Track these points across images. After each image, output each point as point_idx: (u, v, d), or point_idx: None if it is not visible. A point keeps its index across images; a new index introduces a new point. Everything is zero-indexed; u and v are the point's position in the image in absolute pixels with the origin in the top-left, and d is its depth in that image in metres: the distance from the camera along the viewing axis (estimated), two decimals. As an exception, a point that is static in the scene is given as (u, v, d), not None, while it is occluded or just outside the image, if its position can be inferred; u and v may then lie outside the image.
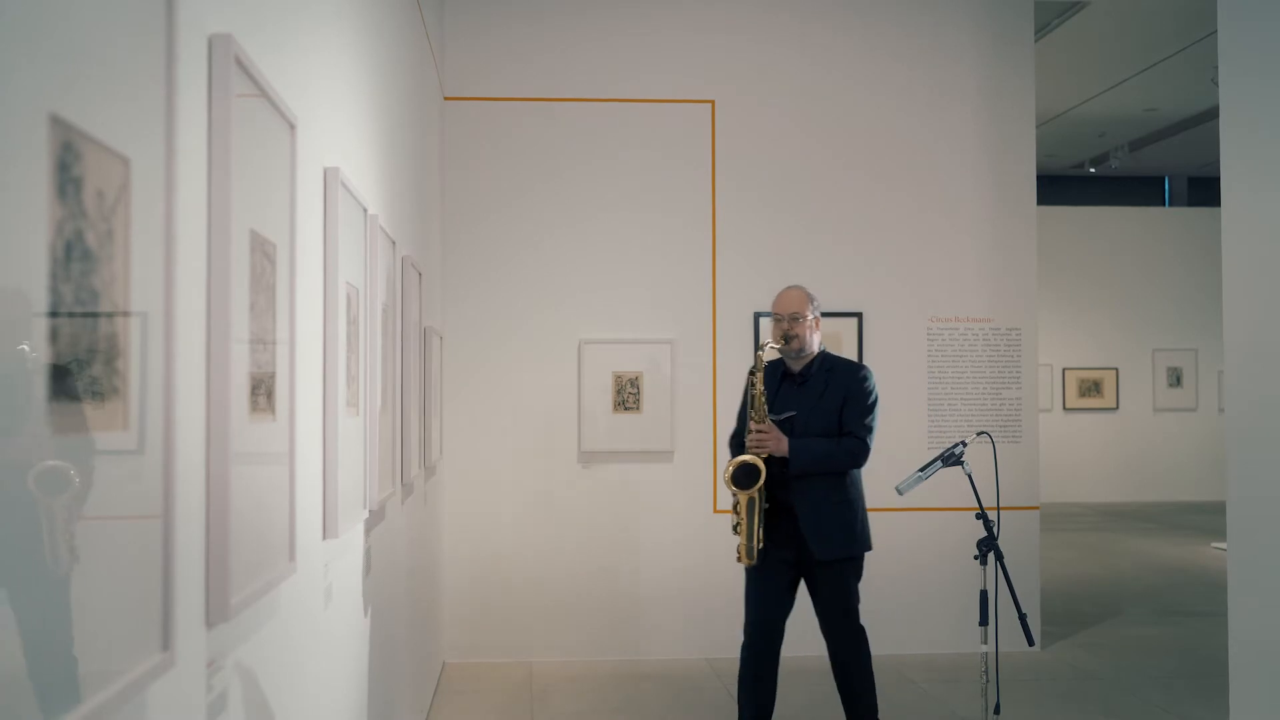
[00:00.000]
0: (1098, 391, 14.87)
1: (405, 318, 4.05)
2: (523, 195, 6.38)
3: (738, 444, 4.28)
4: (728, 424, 6.36)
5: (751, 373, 4.14)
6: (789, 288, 4.22)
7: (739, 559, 4.13)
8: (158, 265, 1.38)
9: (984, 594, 3.74)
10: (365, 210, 3.02)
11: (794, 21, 6.57)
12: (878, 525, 6.51)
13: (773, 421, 4.11)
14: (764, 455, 4.03)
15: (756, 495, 4.02)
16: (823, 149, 6.55)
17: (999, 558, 3.70)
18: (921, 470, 3.91)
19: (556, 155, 6.41)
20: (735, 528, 4.09)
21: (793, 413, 4.12)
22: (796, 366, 4.19)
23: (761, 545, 4.07)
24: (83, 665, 1.18)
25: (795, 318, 4.11)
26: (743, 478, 4.03)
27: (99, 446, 1.23)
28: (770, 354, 4.16)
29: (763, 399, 4.07)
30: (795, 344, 4.10)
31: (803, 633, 6.38)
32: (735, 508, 4.06)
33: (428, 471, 5.18)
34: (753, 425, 4.06)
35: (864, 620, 6.47)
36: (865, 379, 4.16)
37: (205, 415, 1.63)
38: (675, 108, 6.48)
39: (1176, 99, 11.83)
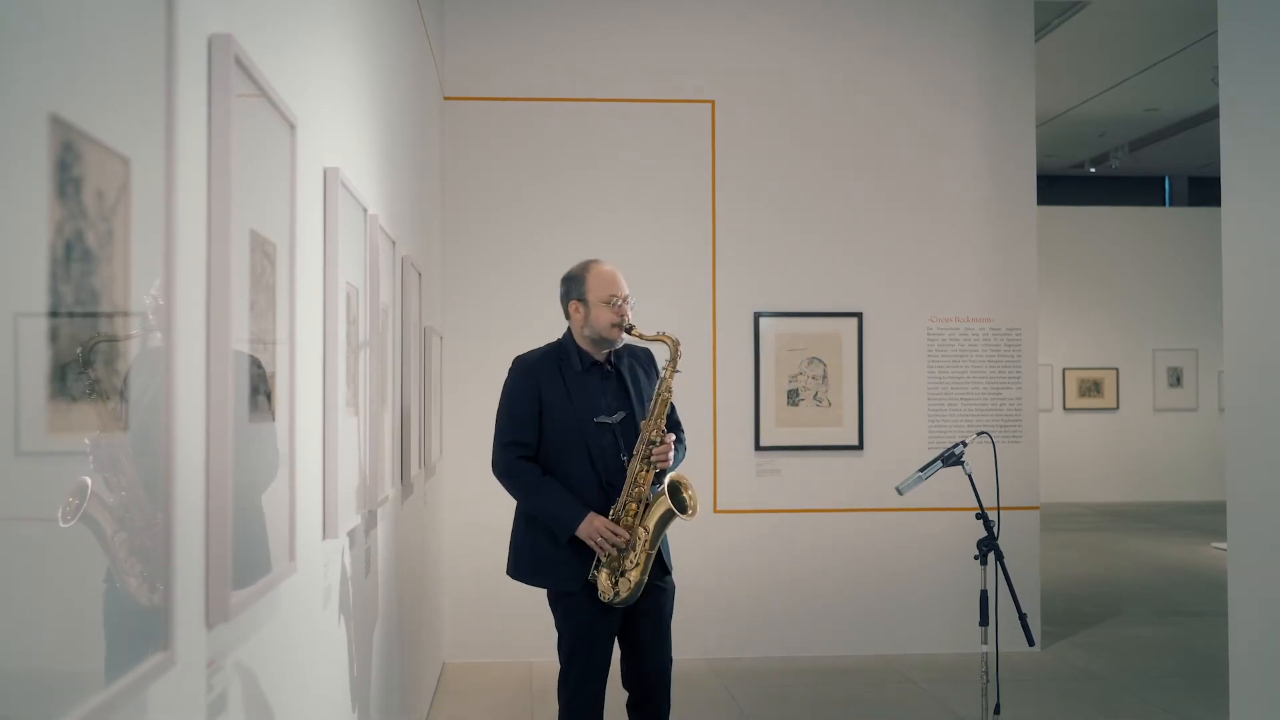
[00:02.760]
0: (1098, 391, 14.87)
1: (405, 318, 4.05)
2: (523, 195, 6.38)
3: (519, 459, 3.42)
4: (729, 422, 6.39)
5: (661, 369, 3.45)
6: (605, 263, 3.52)
7: (613, 599, 3.36)
8: (158, 265, 1.38)
9: (984, 594, 3.74)
10: (365, 210, 3.02)
11: (794, 21, 6.57)
12: (878, 525, 6.55)
13: (601, 424, 3.42)
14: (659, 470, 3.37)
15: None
16: (822, 149, 6.54)
17: (999, 558, 3.69)
18: (921, 470, 3.90)
19: (556, 155, 6.41)
20: (623, 563, 3.34)
21: (623, 413, 3.44)
22: (601, 357, 3.49)
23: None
24: (83, 665, 1.18)
25: (628, 299, 3.45)
26: (681, 503, 3.37)
27: (99, 447, 1.23)
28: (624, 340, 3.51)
29: (667, 403, 3.41)
30: (631, 331, 3.42)
31: (803, 633, 6.40)
32: (644, 541, 3.33)
33: (428, 471, 5.18)
34: (655, 436, 3.36)
35: (864, 619, 6.51)
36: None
37: (205, 415, 1.63)
38: (675, 108, 6.48)
39: (1176, 99, 11.83)
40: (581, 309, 3.46)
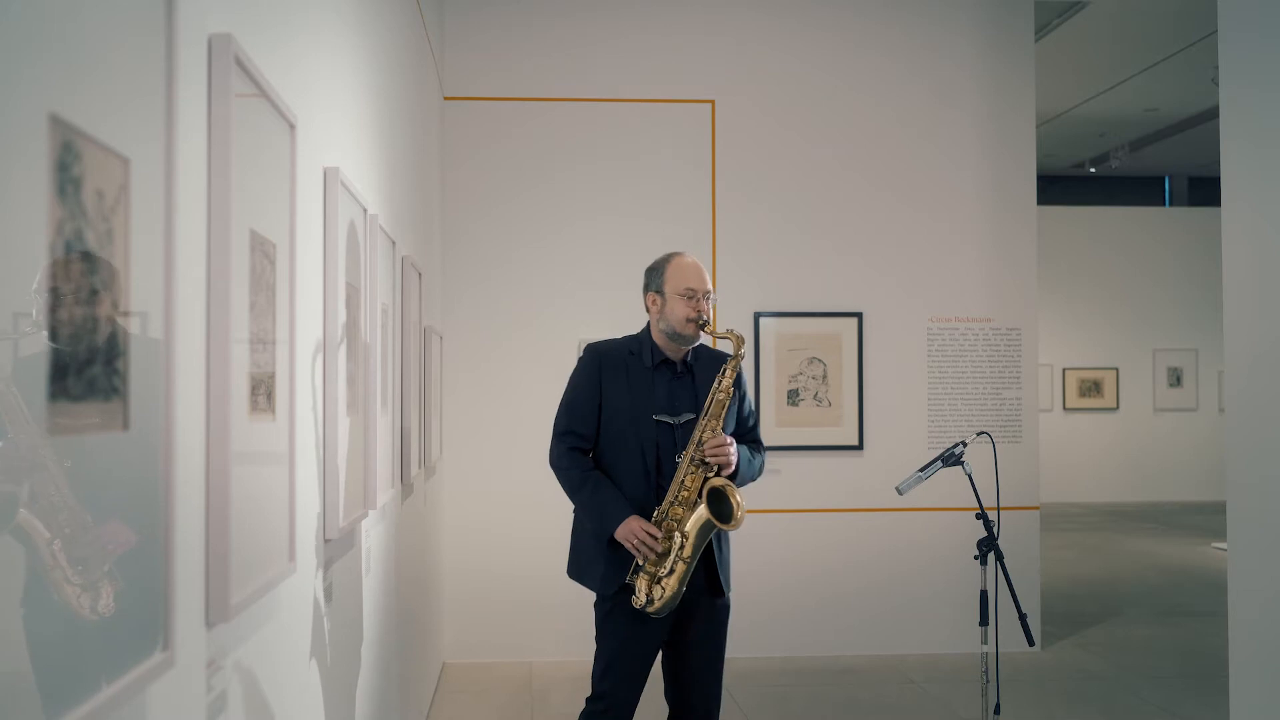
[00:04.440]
0: (1098, 391, 14.87)
1: (405, 318, 4.04)
2: (523, 195, 6.38)
3: (571, 450, 3.32)
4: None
5: (723, 367, 3.28)
6: (687, 255, 3.38)
7: (645, 606, 3.16)
8: (158, 265, 1.38)
9: (984, 594, 3.74)
10: (365, 210, 3.02)
11: (794, 21, 6.57)
12: (878, 525, 6.55)
13: (661, 423, 3.26)
14: (720, 472, 3.18)
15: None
16: (823, 149, 6.55)
17: (999, 558, 3.69)
18: (921, 470, 3.90)
19: (556, 155, 6.41)
20: (664, 568, 3.14)
21: (691, 415, 3.28)
22: (677, 355, 3.35)
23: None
24: (83, 665, 1.18)
25: (708, 295, 3.31)
26: (722, 512, 3.16)
27: (99, 447, 1.23)
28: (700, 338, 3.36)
29: (724, 405, 3.23)
30: (705, 328, 3.30)
31: (803, 633, 6.40)
32: (680, 548, 3.13)
33: (428, 471, 5.18)
34: (707, 436, 3.17)
35: (864, 619, 6.51)
36: (742, 372, 3.39)
37: (205, 415, 1.63)
38: (675, 108, 6.48)
39: (1176, 99, 11.83)
40: (658, 301, 3.33)
